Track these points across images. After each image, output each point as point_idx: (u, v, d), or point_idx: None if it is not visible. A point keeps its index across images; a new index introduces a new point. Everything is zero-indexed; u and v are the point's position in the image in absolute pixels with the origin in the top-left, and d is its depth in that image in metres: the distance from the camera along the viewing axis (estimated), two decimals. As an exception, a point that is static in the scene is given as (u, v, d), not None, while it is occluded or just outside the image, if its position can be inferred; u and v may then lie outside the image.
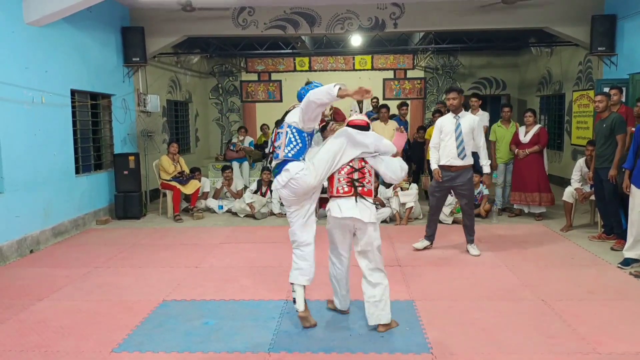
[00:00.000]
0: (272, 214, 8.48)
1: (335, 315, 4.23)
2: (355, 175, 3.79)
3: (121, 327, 4.00)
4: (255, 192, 8.47)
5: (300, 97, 3.94)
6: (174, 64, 11.68)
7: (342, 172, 3.80)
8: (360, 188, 3.76)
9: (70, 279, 5.24)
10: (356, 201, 3.74)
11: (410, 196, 7.75)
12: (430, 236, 6.28)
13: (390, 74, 14.29)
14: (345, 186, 3.77)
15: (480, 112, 8.47)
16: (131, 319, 4.13)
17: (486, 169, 6.16)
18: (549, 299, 4.48)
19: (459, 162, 5.85)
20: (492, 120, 8.63)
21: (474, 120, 5.92)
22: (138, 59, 8.87)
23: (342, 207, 3.75)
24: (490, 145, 8.31)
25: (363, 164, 3.84)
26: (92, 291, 4.88)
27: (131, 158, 8.40)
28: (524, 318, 4.11)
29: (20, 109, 6.19)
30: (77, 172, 7.60)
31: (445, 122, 5.93)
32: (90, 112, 8.24)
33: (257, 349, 3.59)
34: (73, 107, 7.49)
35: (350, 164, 3.81)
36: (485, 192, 8.00)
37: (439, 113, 9.17)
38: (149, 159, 9.26)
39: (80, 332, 3.94)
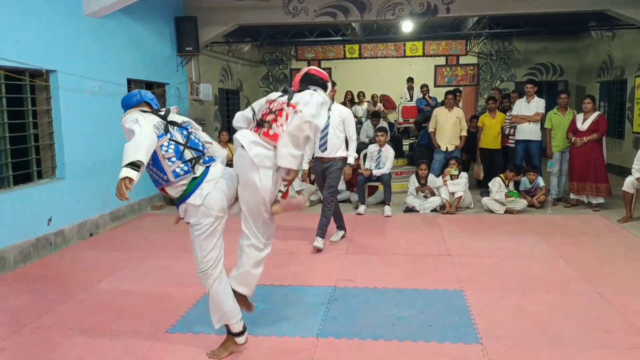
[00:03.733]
0: (320, 201, 8.51)
1: (382, 302, 4.22)
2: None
3: (175, 308, 4.14)
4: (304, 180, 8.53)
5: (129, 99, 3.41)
6: (225, 53, 11.85)
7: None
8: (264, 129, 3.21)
9: (127, 262, 5.46)
10: None
11: (459, 185, 7.62)
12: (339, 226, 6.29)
13: (442, 61, 14.05)
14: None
15: (536, 98, 8.23)
16: (185, 302, 4.27)
17: (350, 160, 5.98)
18: (606, 293, 4.32)
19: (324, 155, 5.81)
20: (548, 108, 8.35)
21: (343, 113, 5.91)
22: (191, 49, 9.05)
23: None
24: (546, 133, 8.06)
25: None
26: (148, 274, 5.07)
27: (184, 145, 8.59)
28: (579, 311, 3.99)
29: (81, 98, 6.44)
30: (133, 158, 7.85)
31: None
32: (145, 100, 8.47)
33: (306, 334, 3.64)
34: (129, 96, 7.72)
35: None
36: (542, 183, 7.77)
37: (493, 100, 8.95)
38: (201, 146, 9.46)
39: (137, 313, 4.10)
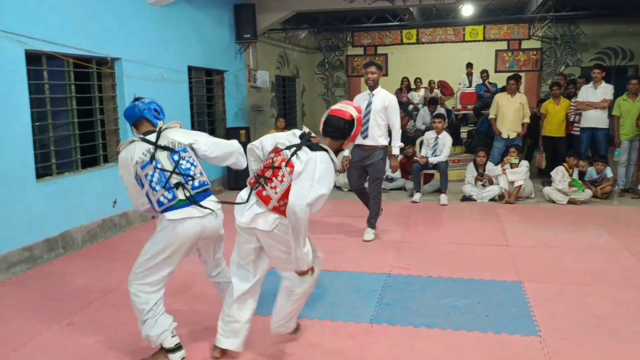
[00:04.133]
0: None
1: (437, 290, 4.18)
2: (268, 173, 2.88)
3: (232, 290, 4.24)
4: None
5: (140, 113, 3.19)
6: (282, 40, 11.94)
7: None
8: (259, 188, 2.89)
9: (187, 243, 5.63)
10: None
11: (519, 174, 7.39)
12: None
13: (503, 45, 13.60)
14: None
15: (604, 84, 7.85)
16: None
17: (395, 151, 5.67)
18: (676, 289, 4.11)
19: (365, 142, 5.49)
20: (617, 94, 7.94)
21: (387, 99, 5.52)
22: (249, 36, 9.17)
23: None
24: (614, 121, 7.69)
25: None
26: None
27: (242, 132, 8.77)
28: (646, 307, 3.82)
29: (144, 85, 6.66)
30: (193, 144, 8.07)
31: (360, 99, 5.62)
32: (205, 87, 8.70)
33: (360, 319, 3.66)
34: (190, 83, 7.93)
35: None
36: (609, 174, 7.43)
37: (557, 86, 8.61)
38: (258, 133, 9.62)
39: (198, 293, 4.24)
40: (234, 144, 3.27)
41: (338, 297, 4.09)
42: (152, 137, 3.04)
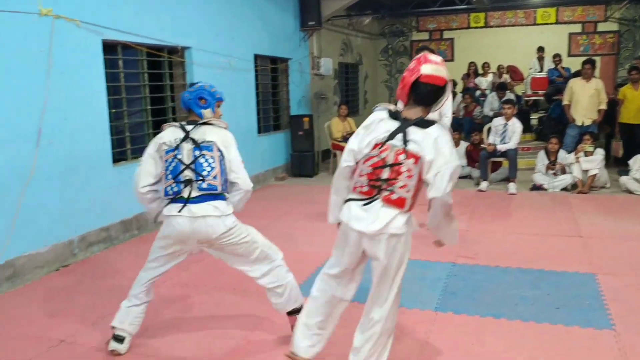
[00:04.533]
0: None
1: (504, 281, 4.08)
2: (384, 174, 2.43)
3: (295, 274, 4.31)
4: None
5: (186, 103, 3.13)
6: (345, 27, 11.88)
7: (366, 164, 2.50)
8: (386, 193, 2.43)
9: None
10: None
11: (593, 162, 7.05)
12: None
13: (577, 28, 12.93)
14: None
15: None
16: (304, 268, 4.43)
17: None
18: None
19: None
20: None
21: None
22: (313, 23, 9.19)
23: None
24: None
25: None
26: (271, 240, 5.31)
27: (305, 119, 8.84)
28: None
29: (213, 73, 6.84)
30: (259, 131, 8.24)
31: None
32: (270, 75, 8.82)
33: (425, 307, 3.64)
34: (256, 70, 8.07)
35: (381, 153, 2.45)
36: None
37: (636, 70, 8.13)
38: (321, 120, 9.66)
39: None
40: (248, 183, 3.21)
41: (402, 284, 4.06)
42: (190, 127, 3.04)
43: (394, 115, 2.50)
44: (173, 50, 6.29)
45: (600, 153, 7.19)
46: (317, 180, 8.56)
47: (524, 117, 9.48)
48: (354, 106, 12.74)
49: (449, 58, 13.74)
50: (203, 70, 6.62)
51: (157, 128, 6.14)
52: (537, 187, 7.37)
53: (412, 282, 4.12)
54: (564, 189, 7.23)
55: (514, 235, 5.32)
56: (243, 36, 7.56)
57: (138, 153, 5.82)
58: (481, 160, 7.62)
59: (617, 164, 8.20)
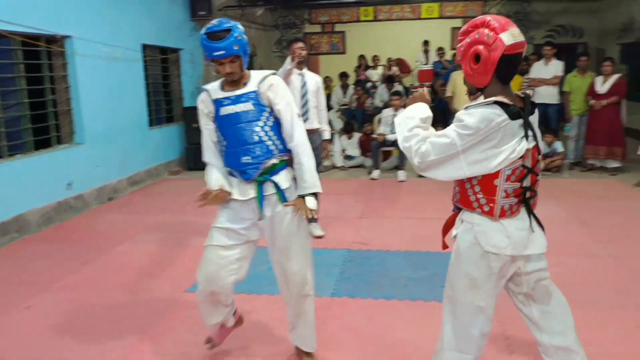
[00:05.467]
0: (334, 167, 8.56)
1: (395, 264, 4.30)
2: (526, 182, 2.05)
3: (193, 269, 4.20)
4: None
5: None
6: (238, 17, 11.75)
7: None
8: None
9: (146, 225, 5.59)
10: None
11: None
12: None
13: (458, 23, 13.74)
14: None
15: (554, 61, 8.09)
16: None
17: (327, 135, 5.28)
18: (621, 256, 4.35)
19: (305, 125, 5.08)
20: (567, 70, 8.21)
21: (318, 79, 5.19)
22: (204, 13, 9.00)
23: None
24: (565, 96, 7.96)
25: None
26: (167, 237, 5.19)
27: (199, 111, 8.63)
28: (595, 274, 4.03)
29: (97, 64, 6.49)
30: (150, 124, 7.95)
31: (293, 79, 4.98)
32: (160, 66, 8.53)
33: (321, 294, 3.72)
34: (145, 61, 7.76)
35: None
36: (560, 148, 7.69)
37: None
38: (216, 112, 9.50)
39: (157, 274, 4.23)
40: None
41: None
42: None
43: (511, 109, 1.94)
44: (52, 40, 5.88)
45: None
46: (213, 174, 8.42)
47: (412, 108, 9.95)
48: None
49: (341, 51, 14.09)
50: (86, 61, 6.27)
51: (37, 122, 5.76)
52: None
53: (309, 270, 4.21)
54: (449, 175, 7.70)
55: (404, 220, 5.60)
56: (129, 25, 7.24)
57: (15, 150, 5.42)
58: (373, 150, 7.91)
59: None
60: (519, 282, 2.17)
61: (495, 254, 2.03)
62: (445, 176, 2.06)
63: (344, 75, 11.14)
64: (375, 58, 12.19)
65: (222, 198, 2.61)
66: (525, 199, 2.05)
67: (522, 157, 1.97)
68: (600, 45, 12.92)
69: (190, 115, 8.61)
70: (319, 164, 4.96)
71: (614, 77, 7.34)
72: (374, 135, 8.07)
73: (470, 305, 2.12)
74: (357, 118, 10.00)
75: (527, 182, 2.03)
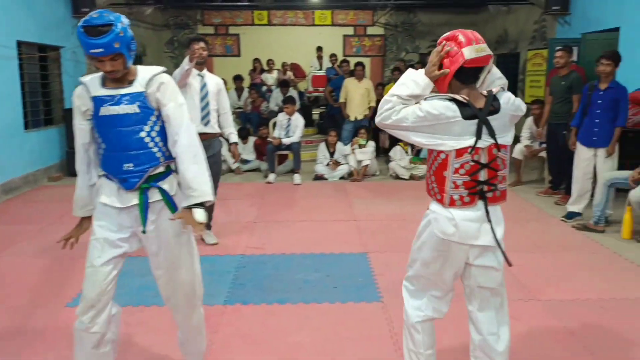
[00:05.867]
0: (230, 170, 8.46)
1: (290, 267, 4.31)
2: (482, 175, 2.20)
3: (74, 282, 3.98)
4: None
5: None
6: (126, 15, 11.22)
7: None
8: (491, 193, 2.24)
9: (24, 235, 5.16)
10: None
11: (366, 154, 7.85)
12: None
13: (350, 30, 14.16)
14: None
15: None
16: (84, 275, 4.11)
17: (233, 138, 5.14)
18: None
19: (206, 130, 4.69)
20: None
21: (219, 81, 4.95)
22: (88, 10, 8.48)
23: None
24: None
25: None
26: (46, 247, 4.82)
27: (83, 113, 8.14)
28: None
29: (-38, 60, 5.90)
30: (26, 127, 7.34)
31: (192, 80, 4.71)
32: (39, 65, 7.93)
33: (213, 302, 3.65)
34: (20, 59, 7.17)
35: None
36: None
37: (398, 71, 9.22)
38: (102, 114, 9.01)
39: (36, 287, 3.93)
40: None
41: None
42: None
43: (466, 108, 2.16)
44: None
45: (371, 145, 8.01)
46: (99, 179, 7.97)
47: (306, 112, 10.09)
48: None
49: (235, 53, 13.94)
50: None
51: None
52: (319, 177, 7.93)
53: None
54: (342, 178, 7.91)
55: (298, 223, 5.64)
56: (2, 20, 6.65)
57: None
58: (268, 154, 7.91)
59: (385, 154, 9.22)
60: (468, 274, 2.32)
61: (442, 238, 2.22)
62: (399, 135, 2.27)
63: (238, 78, 11.04)
64: (269, 62, 12.21)
65: (87, 229, 2.44)
66: (481, 192, 2.19)
67: (472, 152, 2.12)
68: (478, 55, 13.89)
69: (72, 117, 8.08)
70: (218, 172, 4.88)
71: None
72: (270, 139, 8.07)
73: (422, 278, 2.40)
74: (253, 121, 9.95)
75: (483, 177, 2.18)
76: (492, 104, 2.18)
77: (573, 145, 5.65)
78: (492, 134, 2.15)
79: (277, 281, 4.05)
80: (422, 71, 2.23)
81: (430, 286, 2.39)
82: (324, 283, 3.99)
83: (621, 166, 5.58)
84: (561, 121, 6.25)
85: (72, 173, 8.04)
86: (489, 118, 2.15)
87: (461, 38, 2.18)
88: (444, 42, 2.20)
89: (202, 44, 4.69)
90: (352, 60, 9.81)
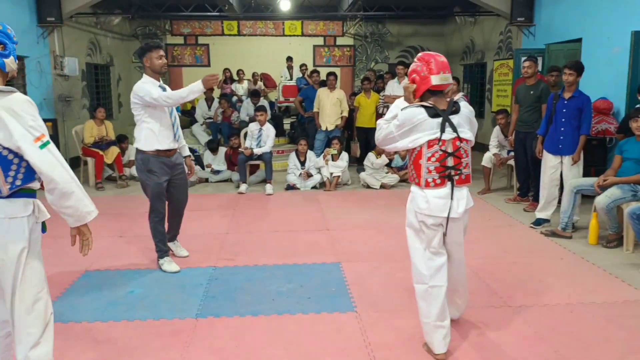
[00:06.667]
0: (201, 181, 8.36)
1: (262, 278, 4.27)
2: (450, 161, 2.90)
3: (53, 289, 3.86)
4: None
5: None
6: (93, 25, 11.07)
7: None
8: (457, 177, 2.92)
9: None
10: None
11: (339, 167, 7.86)
12: None
13: (320, 41, 14.24)
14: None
15: (407, 79, 8.65)
16: (52, 290, 3.99)
17: (187, 151, 4.77)
18: (466, 258, 4.71)
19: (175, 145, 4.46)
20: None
21: None
22: (53, 19, 8.35)
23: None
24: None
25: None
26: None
27: (48, 124, 7.95)
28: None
29: None
30: (-12, 139, 7.13)
31: (150, 87, 4.35)
32: (0, 75, 7.72)
33: (184, 315, 3.59)
34: (-19, 69, 6.98)
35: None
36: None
37: (367, 81, 9.29)
38: (67, 125, 8.83)
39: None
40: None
41: (162, 295, 3.96)
42: None
43: (431, 110, 2.92)
44: None
45: (345, 158, 8.02)
46: (65, 192, 7.77)
47: (277, 122, 10.08)
48: (107, 110, 11.88)
49: (205, 63, 13.87)
50: None
51: None
52: (291, 187, 7.90)
53: (172, 291, 4.03)
54: (314, 187, 7.90)
55: (271, 233, 5.60)
56: (-38, 28, 6.46)
57: None
58: (240, 164, 7.85)
59: (357, 163, 9.26)
60: (445, 241, 3.03)
61: (420, 212, 2.93)
62: (389, 147, 3.01)
63: (208, 89, 10.94)
64: (239, 72, 12.18)
65: None
66: (449, 175, 2.87)
67: (440, 144, 2.82)
68: (446, 65, 14.14)
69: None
70: (186, 191, 4.65)
71: (458, 96, 8.04)
72: (241, 149, 8.02)
73: (413, 247, 3.07)
74: (223, 132, 9.87)
75: (450, 163, 2.87)
76: (454, 107, 2.89)
77: (540, 153, 5.76)
78: (454, 129, 2.85)
79: (250, 293, 3.99)
80: (402, 99, 3.06)
81: (422, 256, 3.02)
82: (297, 294, 3.96)
83: (586, 173, 5.73)
84: (530, 130, 6.37)
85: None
86: (451, 117, 2.85)
87: (433, 66, 2.85)
88: (414, 75, 2.95)
89: (160, 52, 4.31)
90: (323, 70, 9.87)
